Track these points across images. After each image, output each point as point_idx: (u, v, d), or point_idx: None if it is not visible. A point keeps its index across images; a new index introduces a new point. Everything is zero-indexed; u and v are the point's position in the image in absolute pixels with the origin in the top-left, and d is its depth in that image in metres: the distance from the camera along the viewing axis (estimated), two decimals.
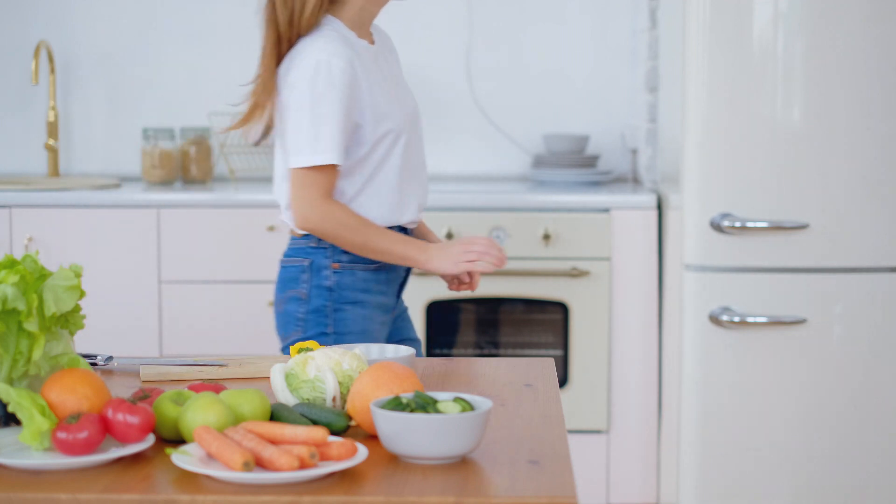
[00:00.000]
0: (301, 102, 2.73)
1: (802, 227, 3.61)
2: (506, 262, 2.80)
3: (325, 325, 2.81)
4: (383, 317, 2.88)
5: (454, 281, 2.92)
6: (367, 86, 2.77)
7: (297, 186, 2.74)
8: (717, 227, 3.62)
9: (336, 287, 2.81)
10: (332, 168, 2.74)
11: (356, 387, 1.94)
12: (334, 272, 2.81)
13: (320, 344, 2.72)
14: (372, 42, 2.87)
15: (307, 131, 2.71)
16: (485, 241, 2.79)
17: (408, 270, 2.94)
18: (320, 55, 2.72)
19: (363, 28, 2.86)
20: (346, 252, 2.80)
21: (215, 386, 2.04)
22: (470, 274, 2.88)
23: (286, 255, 2.88)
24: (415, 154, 2.88)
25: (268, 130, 2.74)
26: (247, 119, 2.82)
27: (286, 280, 2.86)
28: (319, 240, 2.81)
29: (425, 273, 3.35)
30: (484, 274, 2.90)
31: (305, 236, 2.83)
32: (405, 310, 2.99)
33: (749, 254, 3.62)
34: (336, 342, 2.78)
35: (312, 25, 2.78)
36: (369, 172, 2.81)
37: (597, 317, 4.06)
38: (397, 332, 2.95)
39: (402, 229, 2.88)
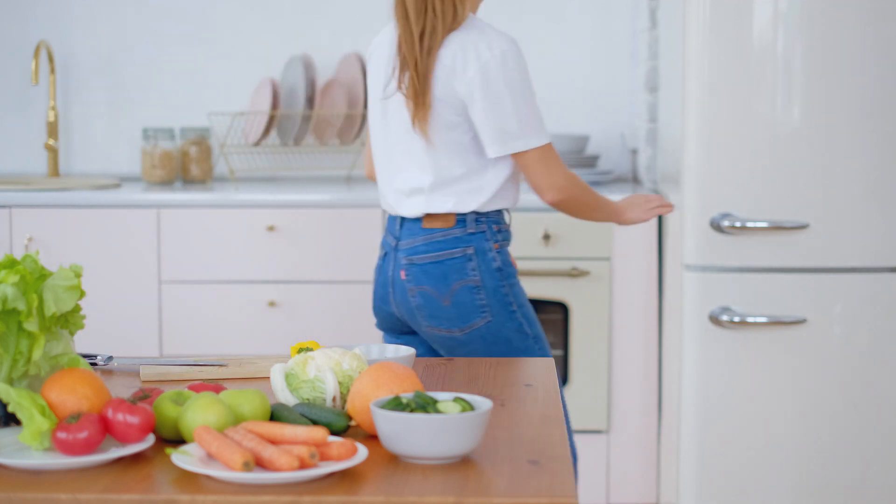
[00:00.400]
0: (499, 90, 2.76)
1: (802, 227, 3.61)
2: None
3: (509, 304, 2.87)
4: None
5: None
6: None
7: (544, 164, 2.82)
8: (717, 227, 3.62)
9: (503, 265, 2.88)
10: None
11: (356, 387, 1.94)
12: (497, 252, 2.87)
13: (511, 321, 2.85)
14: None
15: (524, 114, 2.79)
16: (655, 194, 3.05)
17: None
18: (502, 45, 2.78)
19: None
20: (499, 231, 2.87)
21: (215, 386, 2.04)
22: None
23: (435, 248, 2.86)
24: None
25: (268, 130, 2.72)
26: (425, 110, 2.80)
27: (448, 272, 2.85)
28: (478, 223, 2.85)
29: None
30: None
31: (459, 222, 2.85)
32: None
33: (749, 254, 3.62)
34: (523, 315, 2.88)
35: (463, 20, 2.80)
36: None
37: (597, 317, 4.06)
38: None
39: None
